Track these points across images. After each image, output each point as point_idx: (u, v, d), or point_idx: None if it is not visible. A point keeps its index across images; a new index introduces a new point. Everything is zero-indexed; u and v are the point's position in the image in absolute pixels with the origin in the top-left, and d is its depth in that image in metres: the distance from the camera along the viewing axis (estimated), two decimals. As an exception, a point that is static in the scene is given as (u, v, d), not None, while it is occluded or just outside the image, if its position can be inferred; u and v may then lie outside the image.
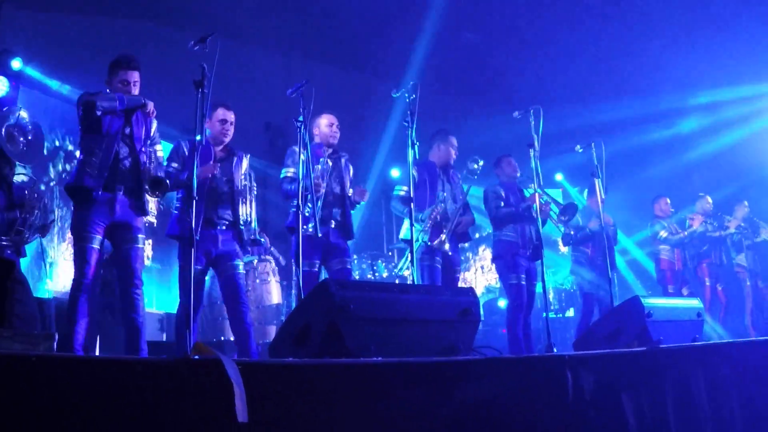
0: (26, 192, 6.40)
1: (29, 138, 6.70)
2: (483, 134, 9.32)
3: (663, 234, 8.94)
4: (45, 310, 6.00)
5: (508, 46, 10.76)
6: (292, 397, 2.76)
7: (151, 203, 5.07)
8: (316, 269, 5.72)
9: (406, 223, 6.12)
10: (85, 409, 2.35)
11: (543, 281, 5.89)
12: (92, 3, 8.81)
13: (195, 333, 4.10)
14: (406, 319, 3.70)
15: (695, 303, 5.77)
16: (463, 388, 3.27)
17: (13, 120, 6.65)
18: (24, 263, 6.85)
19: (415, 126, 5.62)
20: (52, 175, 8.16)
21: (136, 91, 4.91)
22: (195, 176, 4.35)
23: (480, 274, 10.21)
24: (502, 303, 8.08)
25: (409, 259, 5.95)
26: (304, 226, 5.26)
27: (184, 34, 5.30)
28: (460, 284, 7.42)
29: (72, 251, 5.00)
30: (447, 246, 6.23)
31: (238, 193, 5.48)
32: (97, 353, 5.72)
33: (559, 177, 11.91)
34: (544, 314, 5.72)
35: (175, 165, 5.30)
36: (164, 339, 7.30)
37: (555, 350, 5.14)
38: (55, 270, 7.85)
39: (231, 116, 5.51)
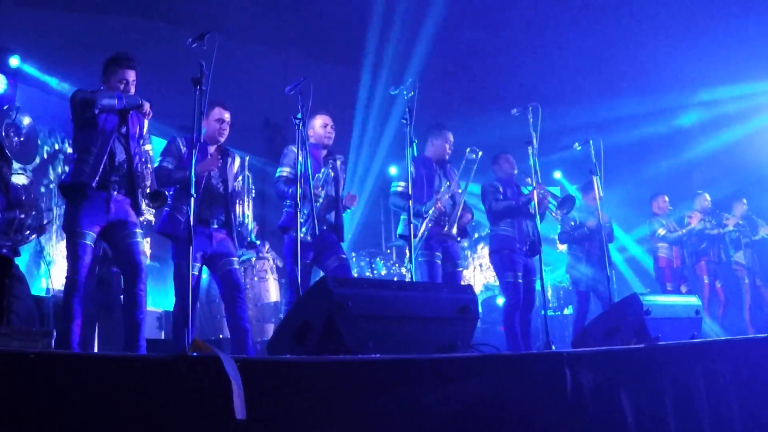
0: (23, 193, 6.42)
1: (22, 139, 6.73)
2: (481, 132, 9.31)
3: (661, 232, 8.95)
4: (43, 307, 6.00)
5: (507, 43, 10.76)
6: (290, 394, 2.76)
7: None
8: (309, 265, 5.70)
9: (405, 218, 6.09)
10: (84, 407, 2.35)
11: (542, 278, 5.89)
12: (91, 0, 8.80)
13: (192, 331, 4.09)
14: (404, 317, 3.70)
15: (694, 300, 5.77)
16: (462, 386, 3.27)
17: (11, 119, 6.67)
18: (23, 261, 6.86)
19: (413, 123, 5.62)
20: (51, 177, 8.16)
21: (132, 90, 4.89)
22: (193, 173, 4.34)
23: (479, 272, 10.20)
24: (501, 301, 8.08)
25: (408, 256, 5.95)
26: (295, 232, 5.24)
27: (183, 31, 5.29)
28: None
29: (67, 249, 4.97)
30: (455, 231, 6.20)
31: (232, 194, 5.47)
32: (95, 350, 5.71)
33: (557, 175, 11.92)
34: (543, 312, 5.71)
35: (169, 160, 5.29)
36: (162, 337, 7.29)
37: (553, 347, 5.13)
38: (54, 268, 7.84)
39: (227, 116, 5.49)
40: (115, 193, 4.71)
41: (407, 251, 6.16)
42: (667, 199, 9.14)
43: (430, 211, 6.20)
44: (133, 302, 4.69)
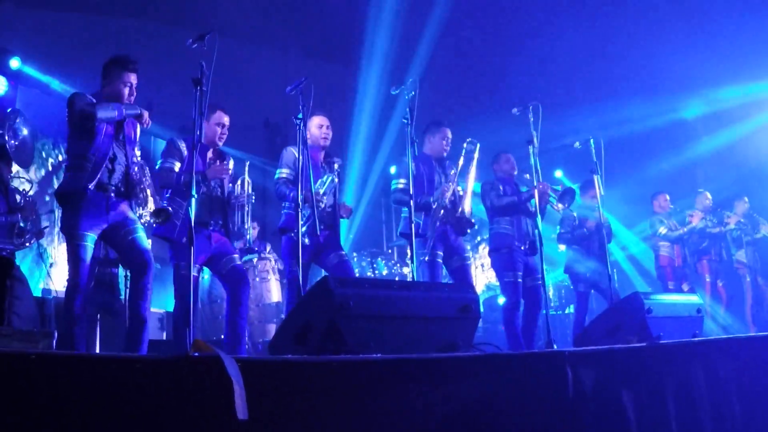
0: (22, 197, 6.45)
1: (16, 143, 6.76)
2: (482, 131, 9.30)
3: (662, 230, 8.94)
4: (45, 309, 6.01)
5: (508, 42, 10.76)
6: (291, 394, 2.76)
7: (150, 203, 5.04)
8: (306, 265, 5.69)
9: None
10: (85, 408, 2.35)
11: (542, 276, 5.89)
12: (91, 2, 8.81)
13: (193, 332, 4.09)
14: (405, 316, 3.70)
15: (695, 299, 5.78)
16: (463, 385, 3.27)
17: (12, 122, 6.71)
18: (24, 263, 6.87)
19: (414, 123, 5.62)
20: (55, 185, 8.18)
21: (134, 93, 4.89)
22: (194, 174, 4.33)
23: (480, 272, 10.20)
24: (502, 300, 8.07)
25: (409, 255, 5.94)
26: (295, 233, 5.23)
27: (183, 32, 5.28)
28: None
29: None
30: (467, 209, 6.25)
31: (229, 197, 5.48)
32: (96, 351, 5.72)
33: (558, 173, 11.91)
34: (544, 311, 5.72)
35: (171, 161, 5.28)
36: (164, 337, 7.30)
37: (555, 347, 5.13)
38: (55, 270, 7.86)
39: (227, 120, 5.49)
40: (113, 195, 4.70)
41: (409, 251, 6.16)
42: (668, 197, 9.13)
43: (441, 199, 6.20)
44: (140, 296, 4.67)
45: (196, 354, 2.70)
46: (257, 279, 8.07)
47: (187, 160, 5.05)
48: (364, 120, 10.66)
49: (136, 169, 4.87)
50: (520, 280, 6.64)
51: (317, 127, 5.91)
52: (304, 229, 5.36)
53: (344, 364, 3.01)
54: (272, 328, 7.75)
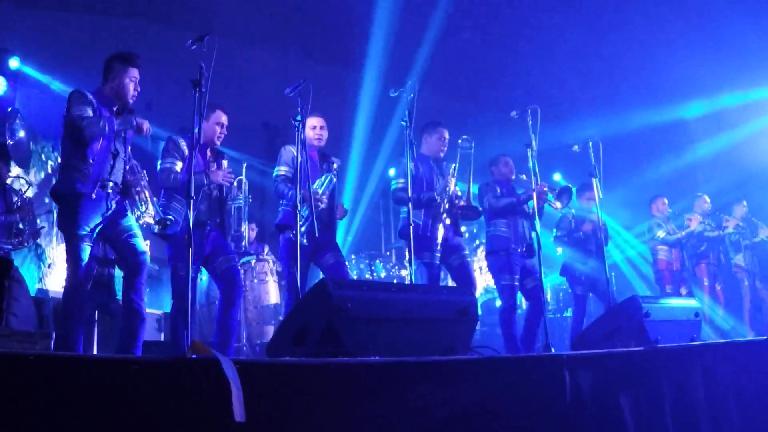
0: (19, 197, 6.46)
1: (11, 142, 6.77)
2: (482, 134, 9.31)
3: (660, 234, 8.95)
4: (43, 309, 6.00)
5: (507, 45, 10.77)
6: (289, 397, 2.76)
7: (149, 204, 5.04)
8: (305, 266, 5.68)
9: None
10: (83, 409, 2.35)
11: (540, 279, 5.89)
12: (90, 2, 8.81)
13: (191, 333, 4.09)
14: (403, 319, 3.70)
15: (693, 303, 5.78)
16: (461, 388, 3.27)
17: (11, 122, 6.73)
18: (22, 263, 6.87)
19: (413, 126, 5.62)
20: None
21: (138, 88, 4.89)
22: (192, 175, 4.33)
23: (478, 275, 10.19)
24: (500, 303, 8.08)
25: (407, 257, 5.94)
26: (294, 234, 5.23)
27: (182, 33, 5.28)
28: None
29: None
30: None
31: (227, 196, 5.48)
32: (94, 352, 5.71)
33: (557, 177, 11.91)
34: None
35: (171, 161, 5.27)
36: (162, 338, 7.29)
37: (553, 350, 5.13)
38: (53, 270, 7.85)
39: (226, 119, 5.50)
40: (112, 193, 4.69)
41: (407, 253, 6.15)
42: (666, 201, 9.14)
43: (444, 192, 6.21)
44: (137, 295, 4.66)
45: (194, 356, 2.70)
46: (255, 280, 8.06)
47: (188, 160, 5.05)
48: (363, 122, 10.65)
49: (127, 167, 4.87)
50: (516, 283, 6.64)
51: (311, 128, 5.90)
52: (302, 229, 5.36)
53: (342, 366, 3.01)
54: (270, 330, 7.75)
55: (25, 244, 6.51)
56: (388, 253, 10.17)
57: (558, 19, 10.18)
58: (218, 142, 5.50)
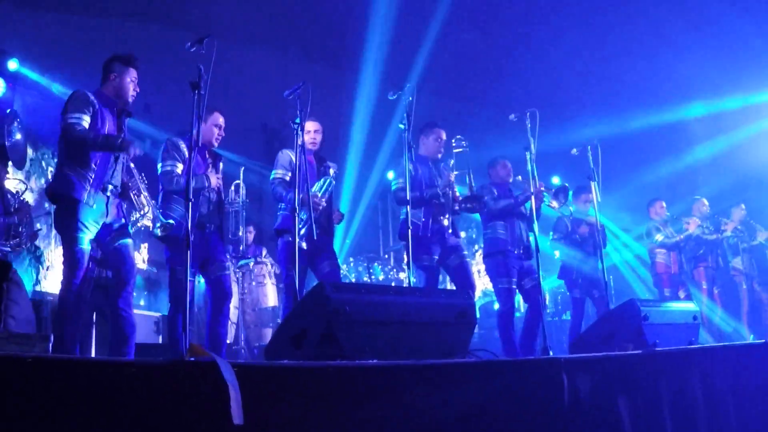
0: (15, 199, 6.45)
1: (7, 143, 6.77)
2: (481, 137, 9.31)
3: (659, 237, 8.95)
4: (41, 312, 6.00)
5: (506, 48, 10.78)
6: (287, 400, 2.76)
7: (147, 207, 5.04)
8: (303, 269, 5.68)
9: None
10: (81, 412, 2.35)
11: (539, 280, 5.88)
12: (89, 3, 8.80)
13: (188, 336, 4.08)
14: (402, 322, 3.70)
15: (691, 306, 5.78)
16: (459, 391, 3.27)
17: (9, 124, 6.73)
18: (21, 266, 6.86)
19: (411, 129, 5.62)
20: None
21: (137, 89, 4.90)
22: (191, 178, 4.32)
23: (477, 278, 10.20)
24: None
25: (405, 260, 5.95)
26: (293, 237, 5.22)
27: (181, 35, 5.28)
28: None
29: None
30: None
31: (225, 198, 5.49)
32: (92, 354, 5.70)
33: (555, 180, 11.89)
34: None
35: (171, 163, 5.27)
36: (160, 341, 7.29)
37: (551, 353, 5.13)
38: (52, 272, 7.84)
39: (223, 121, 5.51)
40: (111, 196, 4.68)
41: (405, 256, 6.15)
42: (664, 204, 9.14)
43: (448, 186, 6.24)
44: (127, 303, 4.66)
45: (192, 359, 2.70)
46: (254, 283, 8.05)
47: (187, 162, 5.05)
48: (362, 124, 10.66)
49: (131, 170, 4.87)
50: (514, 286, 6.64)
51: (305, 132, 5.89)
52: (301, 233, 5.36)
53: (340, 369, 3.01)
54: (268, 333, 7.74)
55: (23, 246, 6.50)
56: (386, 256, 10.18)
57: (558, 22, 10.19)
58: (216, 144, 5.51)
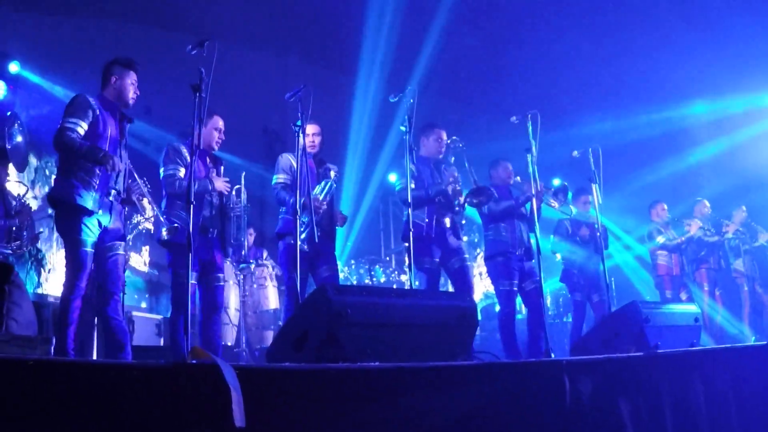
0: (16, 202, 6.46)
1: (10, 147, 6.78)
2: (482, 139, 9.32)
3: (660, 239, 8.95)
4: (43, 314, 5.99)
5: (508, 50, 10.78)
6: (289, 402, 2.76)
7: (149, 210, 5.05)
8: (305, 272, 5.67)
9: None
10: (82, 414, 2.35)
11: (540, 282, 5.88)
12: (90, 6, 8.81)
13: (190, 338, 4.08)
14: (403, 324, 3.69)
15: (693, 308, 5.77)
16: (461, 394, 3.27)
17: (9, 127, 6.73)
18: (22, 268, 6.86)
19: (413, 131, 5.62)
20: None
21: (137, 92, 4.90)
22: (192, 181, 4.32)
23: (478, 281, 10.20)
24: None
25: (407, 263, 5.94)
26: (294, 239, 5.22)
27: (182, 37, 5.29)
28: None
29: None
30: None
31: (227, 202, 5.49)
32: (94, 357, 5.70)
33: (556, 182, 11.88)
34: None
35: (173, 167, 5.28)
36: (161, 344, 7.29)
37: (552, 355, 5.13)
38: (53, 275, 7.84)
39: (222, 124, 5.52)
40: (113, 200, 4.68)
41: (407, 258, 6.15)
42: (665, 206, 9.14)
43: (454, 182, 6.25)
44: (118, 313, 4.66)
45: (194, 361, 2.70)
46: (255, 285, 8.06)
47: (189, 166, 5.05)
48: (363, 127, 10.67)
49: (132, 173, 4.88)
50: (515, 288, 6.63)
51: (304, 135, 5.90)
52: (302, 236, 5.36)
53: (342, 372, 3.01)
54: (270, 335, 7.74)
55: (24, 248, 6.51)
56: (387, 258, 10.18)
57: (558, 23, 10.20)
58: (217, 147, 5.52)
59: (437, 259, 6.20)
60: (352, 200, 10.79)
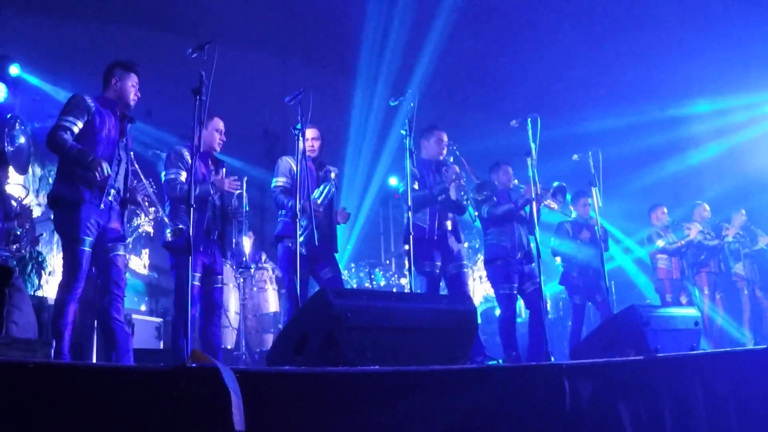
0: (17, 204, 6.45)
1: (11, 149, 6.78)
2: (482, 142, 9.32)
3: (660, 243, 8.94)
4: (43, 317, 5.99)
5: (508, 53, 10.79)
6: (289, 405, 2.76)
7: (151, 212, 5.05)
8: (306, 273, 5.67)
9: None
10: (82, 417, 2.35)
11: (540, 284, 5.88)
12: (91, 9, 8.82)
13: (190, 342, 4.08)
14: (403, 328, 3.69)
15: (693, 312, 5.77)
16: (461, 397, 3.27)
17: (10, 129, 6.73)
18: (22, 271, 6.85)
19: (413, 135, 5.62)
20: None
21: (138, 95, 4.91)
22: (192, 183, 4.32)
23: (478, 284, 10.19)
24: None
25: (407, 266, 5.93)
26: (293, 242, 5.22)
27: (182, 40, 5.30)
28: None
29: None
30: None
31: (228, 205, 5.49)
32: (93, 359, 5.69)
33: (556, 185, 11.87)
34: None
35: (175, 171, 5.28)
36: (161, 346, 7.28)
37: (552, 359, 5.12)
38: (54, 278, 7.83)
39: (223, 125, 5.52)
40: (113, 200, 4.68)
41: (407, 261, 6.15)
42: (665, 210, 9.13)
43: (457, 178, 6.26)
44: (119, 314, 4.61)
45: (194, 364, 2.70)
46: (255, 288, 8.04)
47: (189, 169, 5.05)
48: (364, 130, 10.67)
49: (130, 171, 4.87)
50: (515, 291, 6.63)
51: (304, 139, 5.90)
52: (301, 239, 5.35)
53: (342, 375, 3.01)
54: (269, 338, 7.73)
55: (23, 251, 6.50)
56: (387, 262, 10.17)
57: (559, 26, 10.21)
58: (218, 148, 5.52)
59: (438, 263, 6.20)
60: (353, 203, 10.78)
